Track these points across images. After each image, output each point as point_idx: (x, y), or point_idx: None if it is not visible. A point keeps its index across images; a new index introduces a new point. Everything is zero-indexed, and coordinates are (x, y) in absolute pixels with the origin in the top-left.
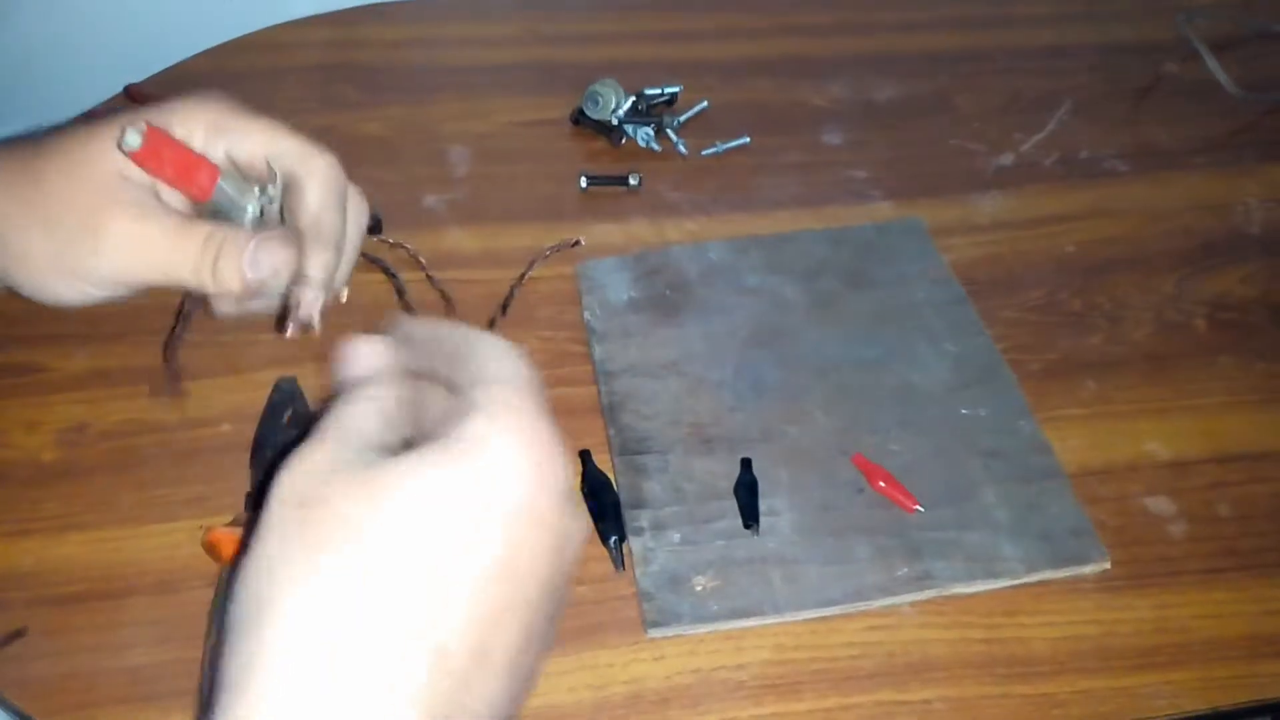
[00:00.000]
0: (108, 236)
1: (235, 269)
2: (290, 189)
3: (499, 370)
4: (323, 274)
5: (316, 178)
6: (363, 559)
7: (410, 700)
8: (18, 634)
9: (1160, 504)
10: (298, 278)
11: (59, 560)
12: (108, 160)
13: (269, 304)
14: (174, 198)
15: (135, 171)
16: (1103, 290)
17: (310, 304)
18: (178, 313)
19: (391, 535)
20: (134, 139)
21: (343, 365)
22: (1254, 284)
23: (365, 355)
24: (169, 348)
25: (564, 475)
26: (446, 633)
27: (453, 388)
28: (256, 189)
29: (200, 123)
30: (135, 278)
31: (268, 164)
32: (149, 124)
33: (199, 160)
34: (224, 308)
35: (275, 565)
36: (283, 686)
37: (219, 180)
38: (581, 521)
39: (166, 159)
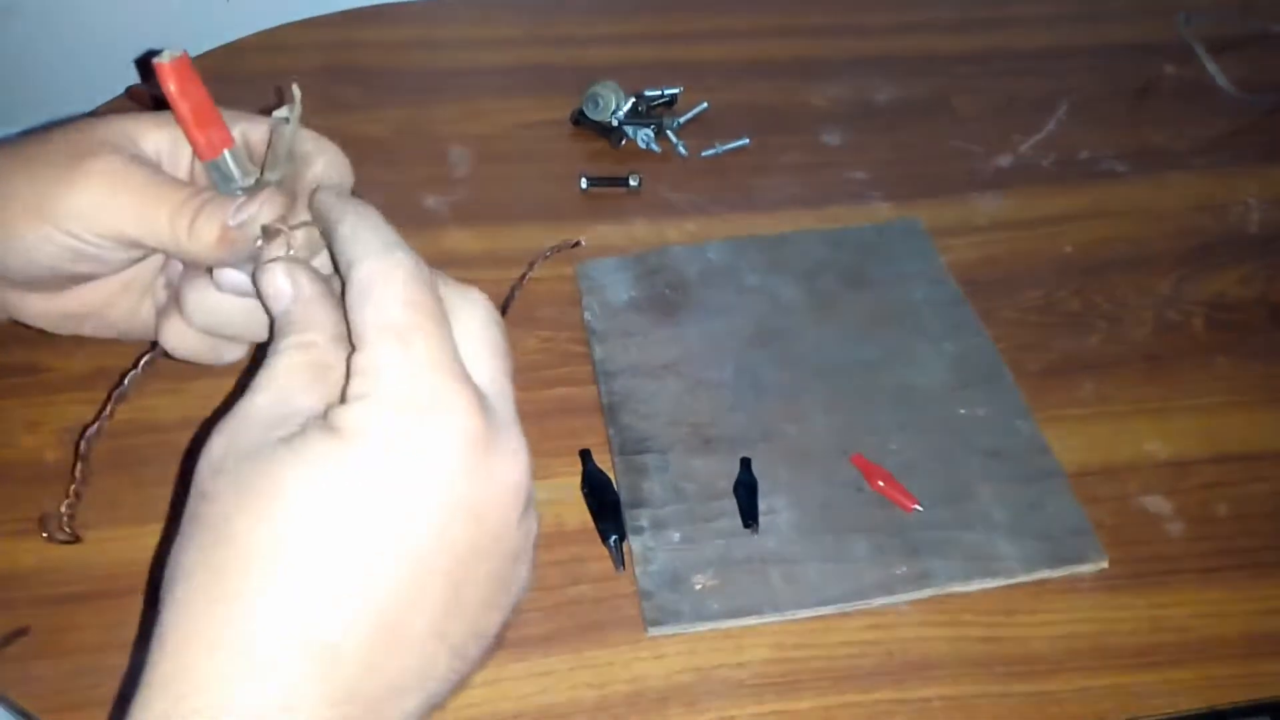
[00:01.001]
0: (88, 174)
1: (216, 222)
2: (294, 172)
3: (380, 316)
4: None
5: (324, 157)
6: (238, 562)
7: (302, 691)
8: (19, 633)
9: (1158, 503)
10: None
11: (60, 560)
12: (103, 129)
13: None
14: (171, 167)
15: (128, 144)
16: (1101, 290)
17: (263, 205)
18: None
19: (264, 540)
20: (169, 54)
21: (266, 304)
22: (1253, 284)
23: (274, 291)
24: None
25: (469, 439)
26: (333, 630)
27: (356, 332)
28: (256, 174)
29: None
30: (109, 223)
31: (275, 129)
32: (185, 53)
33: (219, 120)
34: (192, 303)
35: (174, 557)
36: (175, 679)
37: (227, 151)
38: (528, 520)
39: (190, 95)
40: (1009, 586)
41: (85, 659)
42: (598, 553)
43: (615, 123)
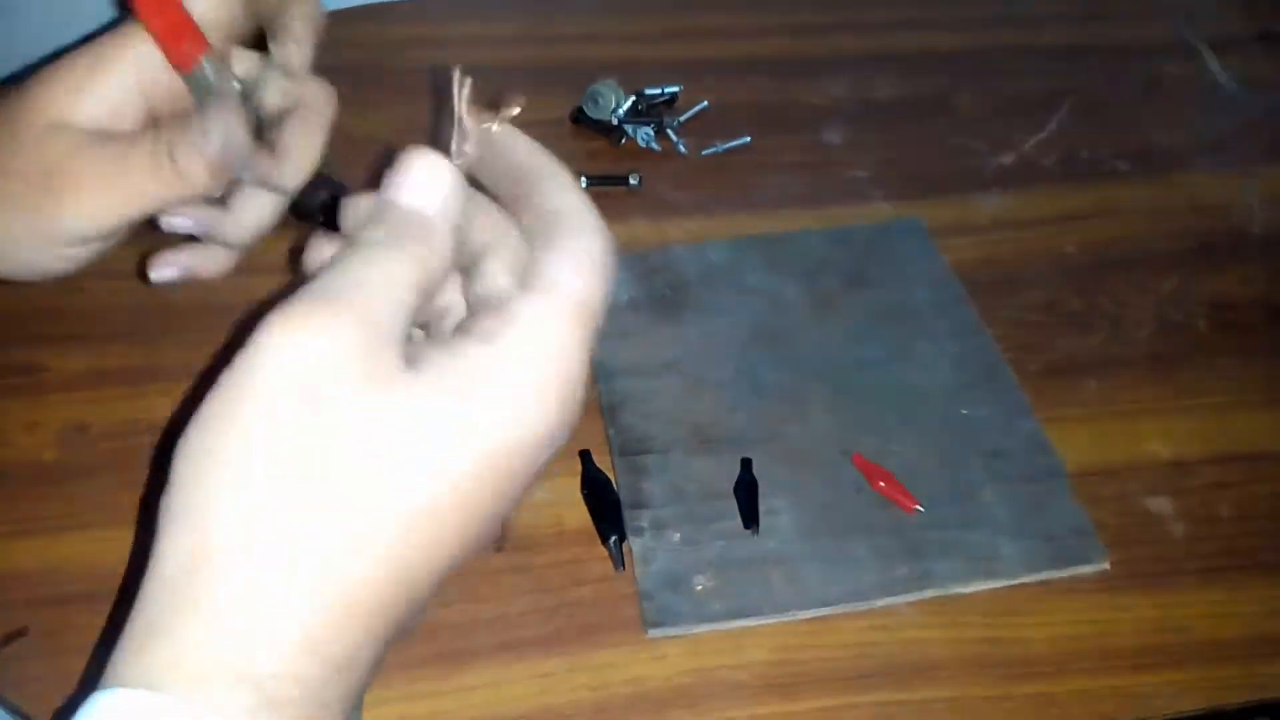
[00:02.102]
0: (64, 191)
1: (194, 156)
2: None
3: (564, 276)
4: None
5: (308, 92)
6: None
7: (347, 623)
8: (19, 634)
9: (1160, 504)
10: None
11: (59, 560)
12: (41, 114)
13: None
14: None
15: (72, 115)
16: (1103, 290)
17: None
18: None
19: (344, 465)
20: None
21: (398, 187)
22: (1255, 284)
23: (426, 182)
24: None
25: (566, 425)
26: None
27: (511, 263)
28: (237, 82)
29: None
30: (106, 217)
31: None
32: None
33: (193, 29)
34: (222, 230)
35: (253, 464)
36: (227, 615)
37: (204, 59)
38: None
39: (166, 9)
40: (1010, 587)
41: (85, 659)
42: (598, 553)
43: (615, 121)
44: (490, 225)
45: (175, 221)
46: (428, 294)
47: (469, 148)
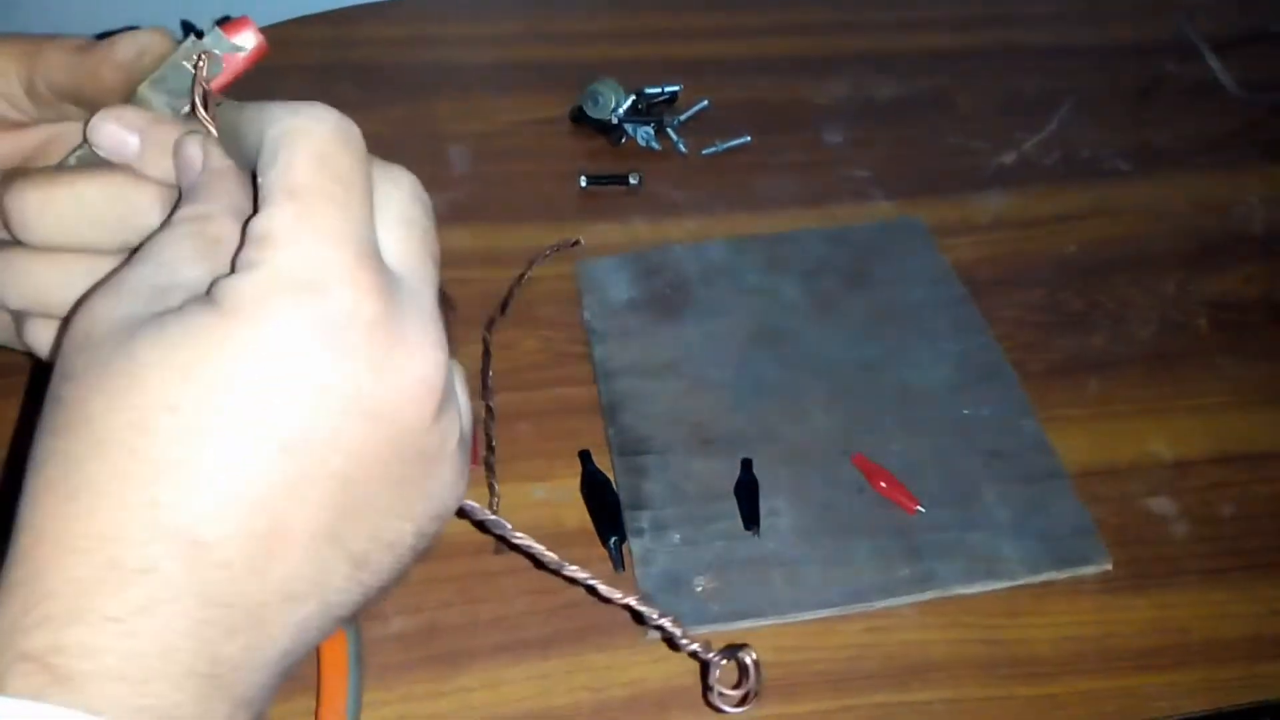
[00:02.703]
0: None
1: (123, 43)
2: None
3: (285, 177)
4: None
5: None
6: (94, 450)
7: (168, 594)
8: None
9: (1162, 504)
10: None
11: None
12: None
13: None
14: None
15: None
16: (1104, 290)
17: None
18: None
19: (123, 425)
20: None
21: (178, 176)
22: (1256, 284)
23: (185, 161)
24: None
25: (368, 325)
26: (203, 526)
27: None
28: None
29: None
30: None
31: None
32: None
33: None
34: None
35: (32, 447)
36: (26, 584)
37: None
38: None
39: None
40: (1012, 588)
41: None
42: (597, 554)
43: (615, 120)
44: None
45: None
46: (208, 237)
47: (210, 125)
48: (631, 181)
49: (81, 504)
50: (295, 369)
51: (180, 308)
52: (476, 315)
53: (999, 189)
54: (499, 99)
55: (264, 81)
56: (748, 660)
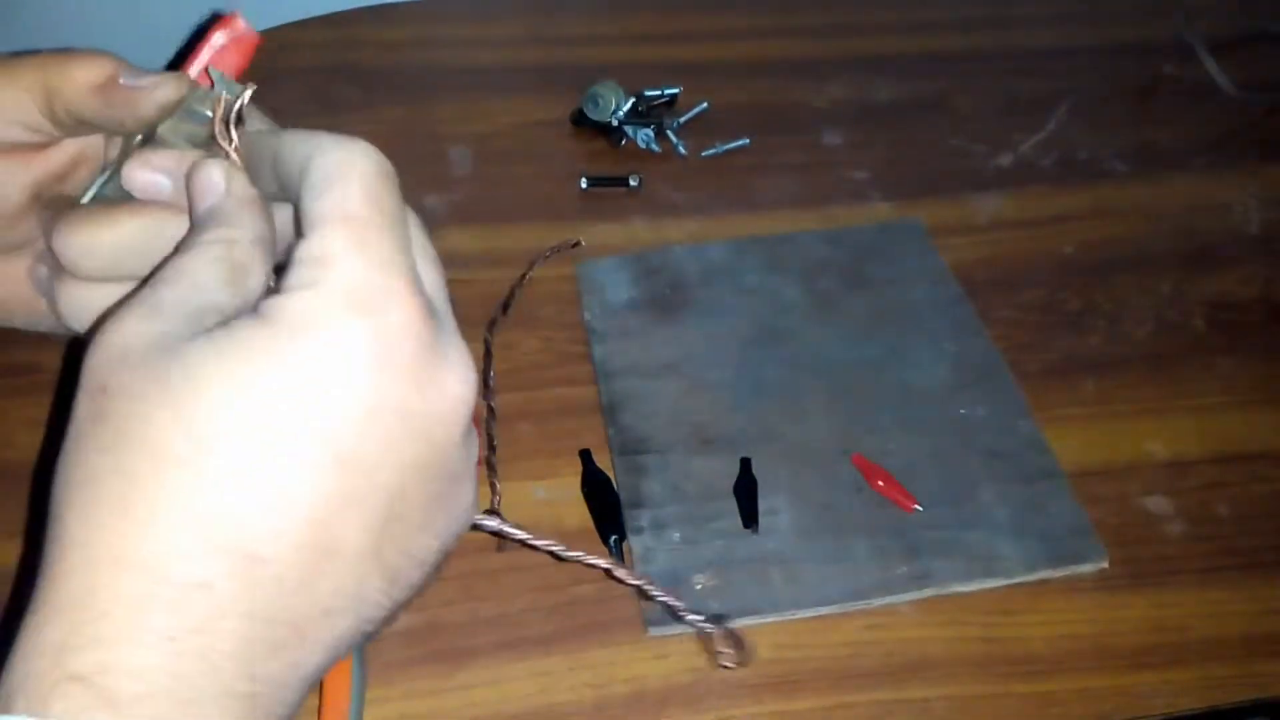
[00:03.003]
0: None
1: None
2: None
3: (340, 206)
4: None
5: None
6: (152, 466)
7: (220, 611)
8: None
9: (1159, 503)
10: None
11: None
12: None
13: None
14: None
15: None
16: (1102, 290)
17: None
18: None
19: (183, 441)
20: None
21: (194, 197)
22: (1253, 284)
23: (207, 184)
24: None
25: (418, 344)
26: (259, 541)
27: (300, 224)
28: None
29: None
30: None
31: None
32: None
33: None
34: (74, 249)
35: (69, 462)
36: (77, 602)
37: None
38: (465, 399)
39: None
40: (1009, 586)
41: None
42: (598, 553)
43: (615, 122)
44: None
45: (147, 178)
46: (236, 264)
47: (234, 154)
48: (632, 183)
49: (136, 519)
50: (350, 382)
51: (229, 325)
52: (478, 316)
53: (997, 190)
54: (500, 101)
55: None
56: (735, 628)
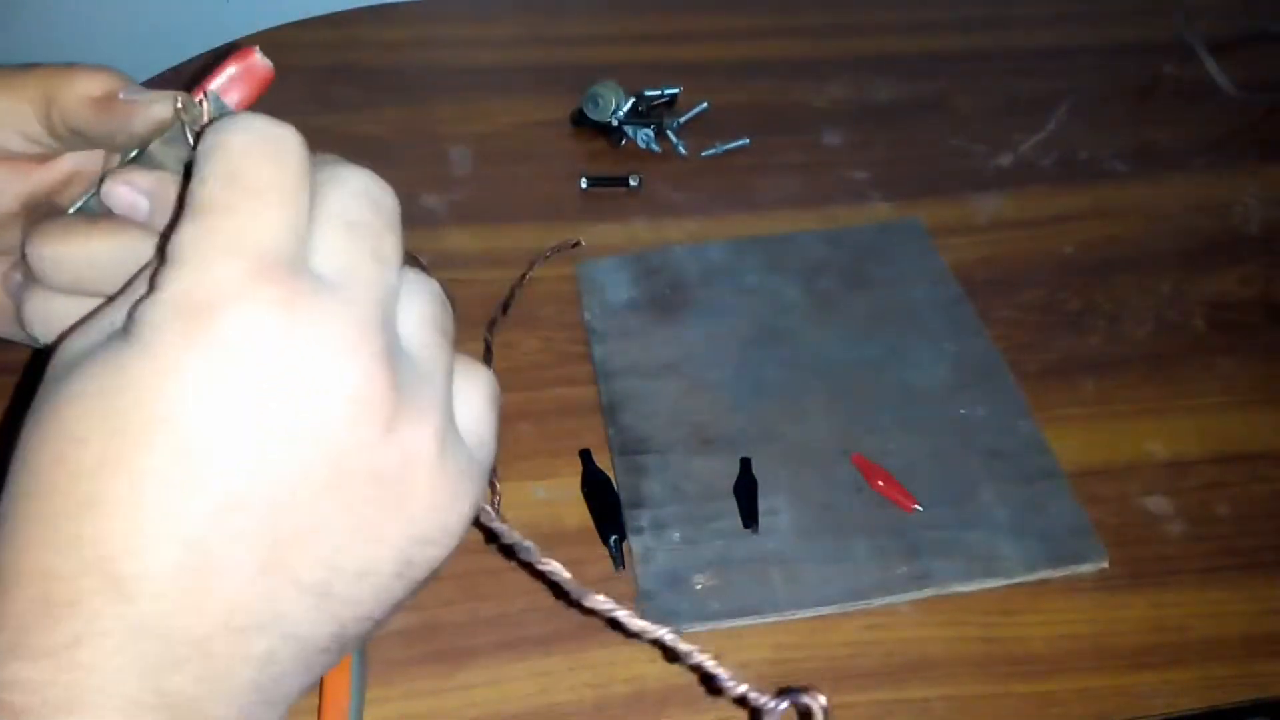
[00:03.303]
0: None
1: (99, 84)
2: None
3: (193, 194)
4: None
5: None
6: (31, 484)
7: (97, 628)
8: None
9: (1159, 503)
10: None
11: None
12: None
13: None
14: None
15: None
16: (1102, 290)
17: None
18: None
19: (48, 456)
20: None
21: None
22: (1253, 284)
23: (168, 204)
24: None
25: (270, 345)
26: (131, 559)
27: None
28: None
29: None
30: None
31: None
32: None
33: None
34: (48, 259)
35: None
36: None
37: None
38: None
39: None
40: (1009, 586)
41: None
42: (598, 553)
43: (615, 122)
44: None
45: (123, 193)
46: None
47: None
48: (632, 183)
49: (18, 539)
50: (195, 397)
51: (97, 350)
52: (478, 316)
53: (997, 190)
54: (500, 101)
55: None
56: (815, 706)
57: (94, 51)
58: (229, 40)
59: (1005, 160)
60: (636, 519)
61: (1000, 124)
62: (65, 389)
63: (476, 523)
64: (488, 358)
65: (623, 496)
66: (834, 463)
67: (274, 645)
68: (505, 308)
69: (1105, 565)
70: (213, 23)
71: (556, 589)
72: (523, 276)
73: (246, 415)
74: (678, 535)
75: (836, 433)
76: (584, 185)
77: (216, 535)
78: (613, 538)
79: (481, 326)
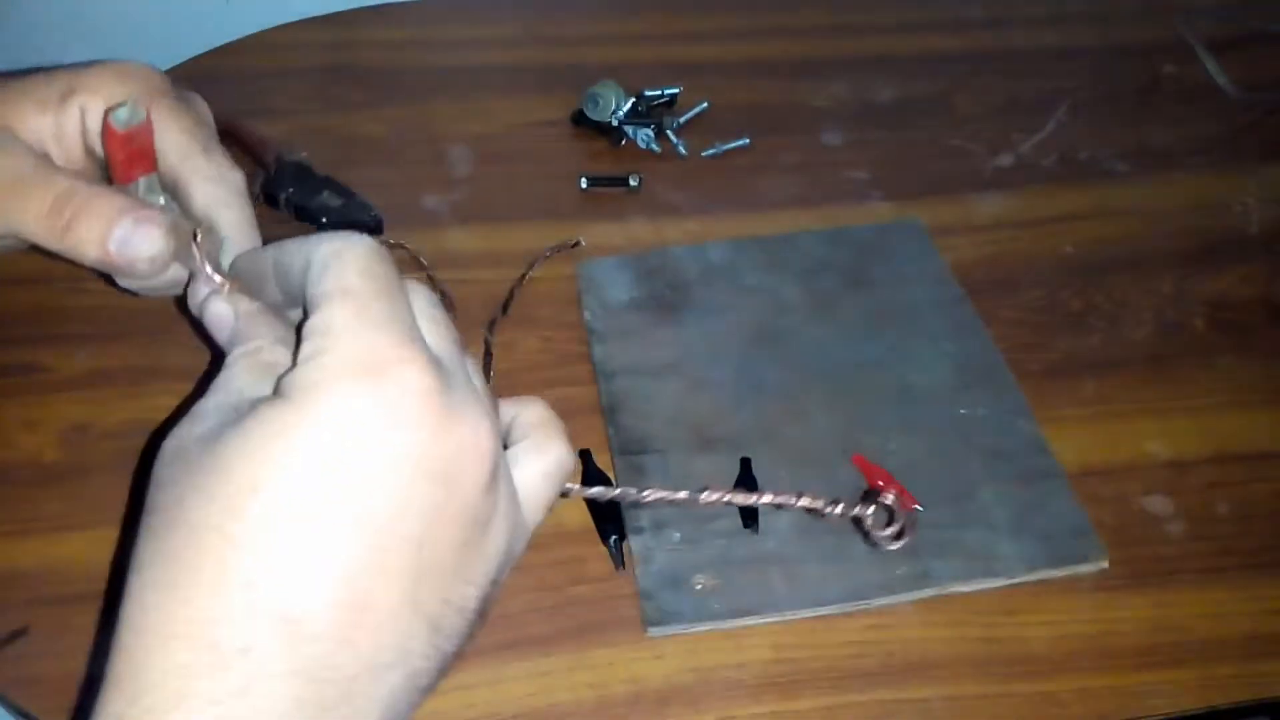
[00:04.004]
0: None
1: (97, 237)
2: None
3: (338, 282)
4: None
5: (203, 193)
6: (189, 545)
7: (264, 673)
8: (19, 634)
9: (1159, 503)
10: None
11: (60, 560)
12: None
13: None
14: (58, 155)
15: (21, 126)
16: (1102, 290)
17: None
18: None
19: (214, 517)
20: (127, 115)
21: (213, 333)
22: (1253, 284)
23: (217, 320)
24: None
25: (424, 399)
26: (295, 604)
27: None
28: (163, 198)
29: (109, 94)
30: None
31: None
32: (148, 112)
33: (150, 155)
34: (122, 281)
35: (133, 553)
36: (131, 676)
37: (142, 178)
38: (489, 448)
39: (134, 146)
40: (1009, 586)
41: (85, 659)
42: (598, 553)
43: (615, 123)
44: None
45: (218, 309)
46: (264, 365)
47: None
48: (631, 183)
49: (180, 591)
50: (362, 442)
51: (253, 409)
52: (478, 315)
53: (997, 190)
54: (500, 101)
55: (267, 84)
56: (888, 501)
57: (94, 51)
58: (229, 40)
59: (1005, 160)
60: (636, 519)
61: (1000, 124)
62: (223, 451)
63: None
64: (488, 358)
65: None
66: (834, 463)
67: (398, 684)
68: (505, 308)
69: (1105, 565)
70: (213, 23)
71: (558, 586)
72: (523, 276)
73: (403, 458)
74: (678, 535)
75: (836, 433)
76: (584, 185)
77: (371, 571)
78: (613, 538)
79: (481, 326)
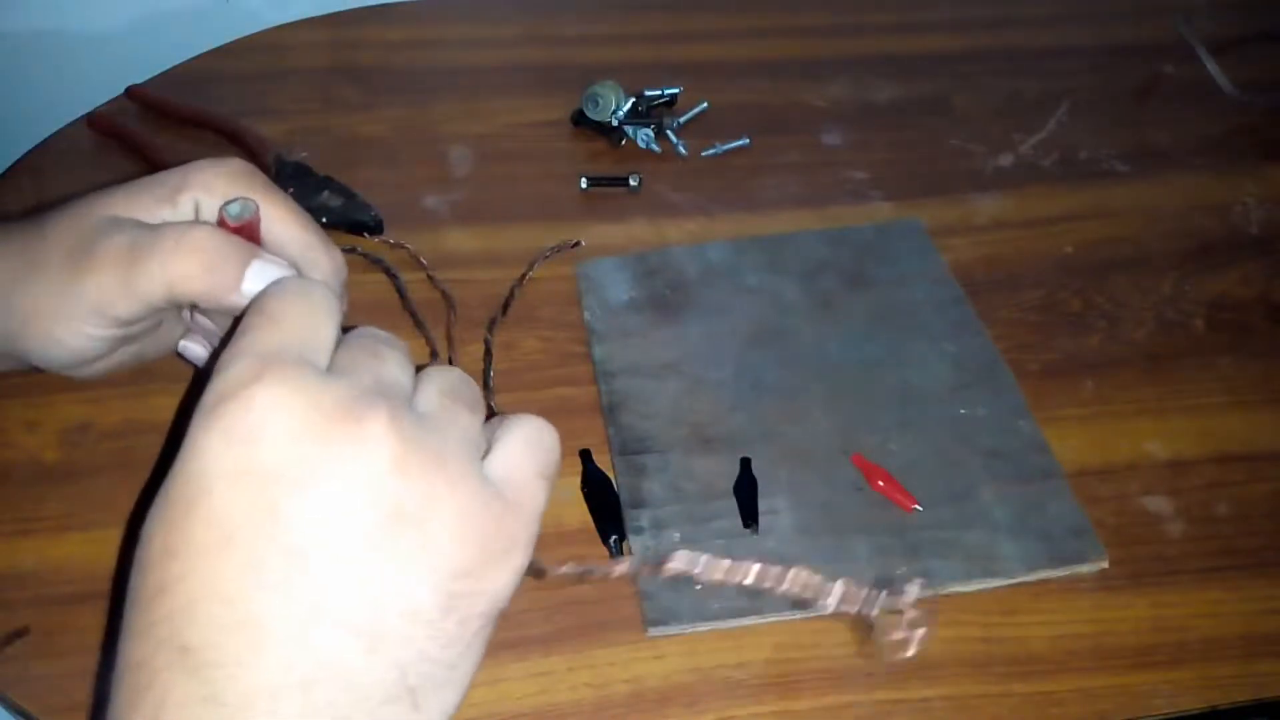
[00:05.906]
0: (90, 263)
1: (233, 276)
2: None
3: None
4: None
5: (318, 274)
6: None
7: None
8: (19, 634)
9: (1159, 503)
10: None
11: (60, 560)
12: (107, 209)
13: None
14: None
15: (132, 221)
16: (1102, 290)
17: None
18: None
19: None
20: (238, 210)
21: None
22: (1253, 284)
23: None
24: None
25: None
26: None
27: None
28: None
29: (220, 189)
30: (119, 293)
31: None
32: (258, 205)
33: (258, 244)
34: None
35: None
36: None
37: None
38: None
39: (244, 237)
40: (1009, 586)
41: (85, 659)
42: (598, 553)
43: (615, 123)
44: None
45: (191, 348)
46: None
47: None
48: (631, 183)
49: (123, 645)
50: (218, 471)
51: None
52: (478, 316)
53: (997, 190)
54: (500, 101)
55: (267, 84)
56: (902, 605)
57: (94, 51)
58: (229, 40)
59: (1005, 160)
60: (636, 518)
61: (1000, 124)
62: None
63: None
64: (487, 358)
65: (623, 496)
66: (834, 462)
67: (334, 697)
68: (505, 308)
69: (1105, 565)
70: (213, 23)
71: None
72: (523, 276)
73: (263, 476)
74: (678, 535)
75: (836, 433)
76: (584, 185)
77: (253, 590)
78: (613, 537)
79: (481, 327)
